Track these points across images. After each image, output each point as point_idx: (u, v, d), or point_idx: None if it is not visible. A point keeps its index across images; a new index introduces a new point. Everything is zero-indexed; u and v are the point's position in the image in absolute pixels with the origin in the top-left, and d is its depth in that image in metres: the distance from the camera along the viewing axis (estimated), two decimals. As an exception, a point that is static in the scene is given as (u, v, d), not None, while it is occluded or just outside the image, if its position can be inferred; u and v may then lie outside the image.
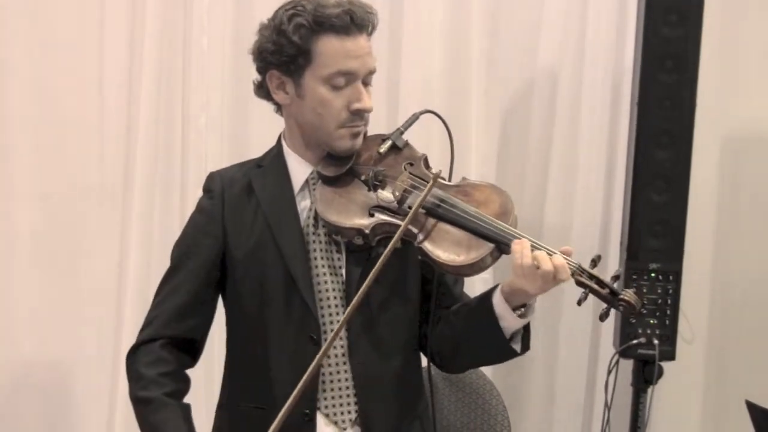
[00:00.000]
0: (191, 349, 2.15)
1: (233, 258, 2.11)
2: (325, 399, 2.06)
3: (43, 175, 3.07)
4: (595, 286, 1.96)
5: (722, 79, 3.25)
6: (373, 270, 1.88)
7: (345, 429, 2.07)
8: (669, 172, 2.91)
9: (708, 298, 3.41)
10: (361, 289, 1.87)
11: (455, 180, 2.12)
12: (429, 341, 2.18)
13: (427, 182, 2.00)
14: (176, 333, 2.11)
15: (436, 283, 2.17)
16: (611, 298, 1.97)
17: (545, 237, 3.21)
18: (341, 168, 2.09)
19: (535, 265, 1.91)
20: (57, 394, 3.17)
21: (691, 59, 2.88)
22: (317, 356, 1.85)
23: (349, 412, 2.07)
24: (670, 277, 2.92)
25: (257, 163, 2.18)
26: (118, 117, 3.09)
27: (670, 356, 2.91)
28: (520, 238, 1.95)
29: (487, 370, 2.52)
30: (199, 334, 2.16)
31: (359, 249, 2.06)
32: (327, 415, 2.06)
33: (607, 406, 2.57)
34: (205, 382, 2.90)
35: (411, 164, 2.10)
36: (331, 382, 2.06)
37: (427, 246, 1.99)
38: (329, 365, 2.06)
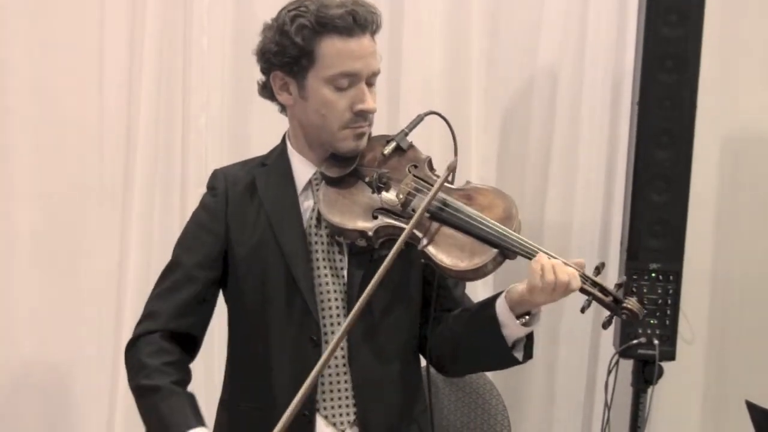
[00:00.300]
0: (190, 344, 2.14)
1: (235, 256, 2.11)
2: (324, 401, 2.06)
3: (43, 175, 3.08)
4: (599, 294, 1.97)
5: (722, 79, 3.25)
6: (377, 275, 1.87)
7: (344, 430, 2.07)
8: (669, 172, 2.91)
9: (708, 298, 3.41)
10: (364, 295, 1.86)
11: (459, 183, 2.10)
12: (429, 344, 2.18)
13: (432, 185, 2.01)
14: (176, 328, 2.10)
15: (436, 286, 2.16)
16: (614, 306, 1.98)
17: (545, 237, 3.23)
18: (345, 169, 2.08)
19: (554, 279, 1.91)
20: (57, 394, 3.17)
21: (692, 59, 2.88)
22: (320, 362, 1.84)
23: (348, 414, 2.07)
24: (671, 277, 2.92)
25: (261, 162, 2.18)
26: (118, 117, 3.09)
27: (670, 356, 2.92)
28: (528, 247, 1.95)
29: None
30: (198, 330, 2.15)
31: (362, 250, 2.05)
32: (326, 417, 2.06)
33: (607, 406, 2.57)
34: (205, 380, 2.90)
35: (415, 166, 2.09)
36: (331, 384, 2.06)
37: (431, 250, 1.98)
38: (329, 367, 2.06)
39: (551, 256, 1.96)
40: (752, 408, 2.14)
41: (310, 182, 2.12)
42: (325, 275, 2.07)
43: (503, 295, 2.03)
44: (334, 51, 2.00)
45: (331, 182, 2.08)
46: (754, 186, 3.39)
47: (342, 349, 2.06)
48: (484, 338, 2.05)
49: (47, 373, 3.15)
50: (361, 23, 2.01)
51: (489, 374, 2.57)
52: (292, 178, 2.13)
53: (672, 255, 2.93)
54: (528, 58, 3.25)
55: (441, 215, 2.01)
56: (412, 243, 1.99)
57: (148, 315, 2.12)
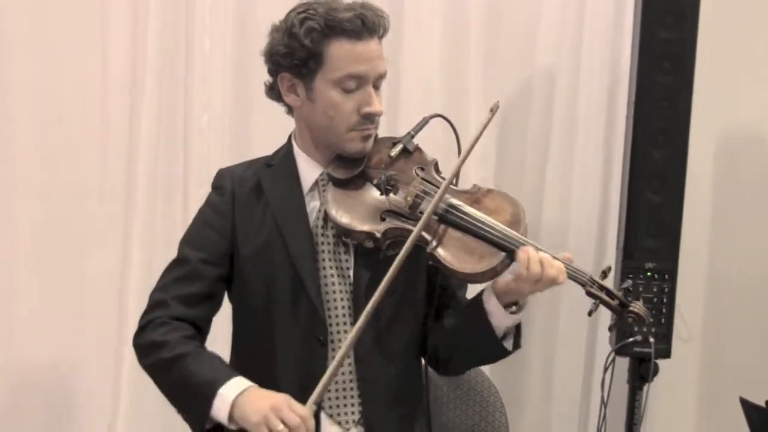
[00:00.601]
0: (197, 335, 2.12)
1: (241, 256, 2.10)
2: (329, 399, 2.06)
3: (45, 175, 3.07)
4: (606, 298, 1.99)
5: (718, 81, 3.26)
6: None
7: (348, 429, 2.08)
8: (665, 171, 2.91)
9: (703, 296, 3.42)
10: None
11: (466, 186, 2.12)
12: (426, 343, 2.19)
13: (439, 188, 2.01)
14: (183, 316, 2.08)
15: (439, 288, 2.17)
16: (620, 310, 2.00)
17: (543, 236, 3.22)
18: (352, 171, 2.09)
19: (539, 271, 1.94)
20: (59, 394, 3.16)
21: (687, 60, 2.88)
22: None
23: (353, 413, 2.08)
24: (666, 276, 2.92)
25: (267, 162, 2.18)
26: (121, 117, 3.08)
27: (666, 354, 2.92)
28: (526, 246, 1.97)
29: (485, 368, 2.54)
30: (203, 323, 2.14)
31: (368, 251, 2.06)
32: (331, 416, 2.07)
33: (604, 403, 2.57)
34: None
35: (422, 169, 2.11)
36: (336, 383, 2.06)
37: (440, 252, 2.00)
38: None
39: (552, 256, 1.97)
40: (746, 405, 2.15)
41: (316, 183, 2.13)
42: (332, 275, 2.07)
43: (490, 285, 2.05)
44: (342, 53, 2.01)
45: (339, 183, 2.08)
46: (748, 185, 3.40)
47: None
48: (474, 329, 2.07)
49: (49, 373, 3.14)
50: (370, 27, 2.02)
51: (487, 371, 2.56)
52: (299, 178, 2.13)
53: (667, 254, 2.93)
54: (526, 60, 3.26)
55: (449, 218, 2.03)
56: (420, 245, 2.00)
57: (155, 305, 2.10)
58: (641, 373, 2.86)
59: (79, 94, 3.07)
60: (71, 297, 3.12)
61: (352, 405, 2.08)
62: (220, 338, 2.23)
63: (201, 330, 2.13)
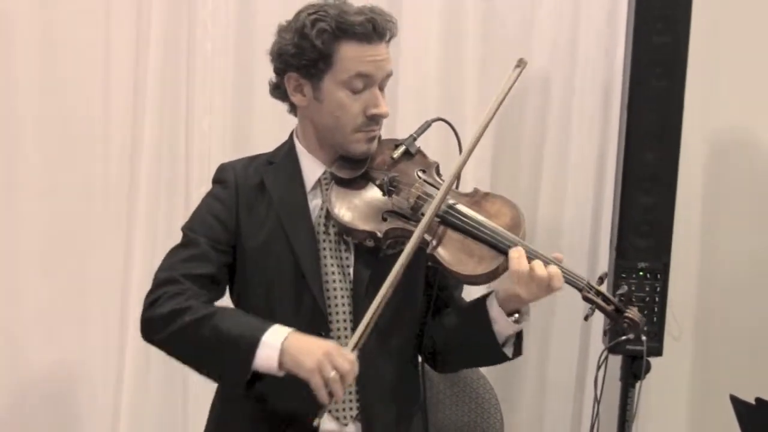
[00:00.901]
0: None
1: (244, 251, 2.11)
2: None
3: (50, 175, 3.08)
4: (602, 303, 2.02)
5: (708, 85, 3.26)
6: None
7: (346, 425, 2.11)
8: (657, 173, 2.92)
9: (694, 295, 3.43)
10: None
11: (467, 190, 2.14)
12: (423, 341, 2.22)
13: (448, 190, 2.03)
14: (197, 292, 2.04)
15: (436, 287, 2.19)
16: (616, 315, 2.04)
17: (538, 236, 3.24)
18: (356, 171, 2.11)
19: (531, 271, 1.95)
20: (62, 394, 3.17)
21: (679, 65, 2.89)
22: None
23: (351, 409, 2.10)
24: (658, 276, 2.93)
25: (268, 160, 2.19)
26: (124, 119, 3.10)
27: (658, 352, 2.93)
28: (534, 255, 1.99)
29: (481, 366, 2.54)
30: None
31: (369, 250, 2.08)
32: (330, 411, 2.07)
33: (597, 400, 2.53)
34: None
35: (424, 171, 2.13)
36: None
37: (440, 254, 2.02)
38: None
39: (548, 260, 1.99)
40: (736, 402, 2.13)
41: (319, 181, 2.14)
42: (333, 273, 2.09)
43: (493, 293, 2.08)
44: (351, 55, 2.03)
45: (342, 183, 2.11)
46: (738, 187, 3.40)
47: (347, 346, 2.05)
48: (476, 334, 2.10)
49: (52, 372, 3.15)
50: (380, 31, 2.05)
51: (483, 369, 2.58)
52: (301, 176, 2.15)
53: (659, 253, 2.93)
54: None
55: (450, 220, 2.05)
56: (421, 246, 2.02)
57: (164, 281, 2.03)
58: (634, 370, 2.85)
59: (83, 96, 3.08)
60: (74, 296, 3.13)
61: (351, 401, 2.10)
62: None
63: None
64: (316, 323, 2.08)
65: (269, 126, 2.93)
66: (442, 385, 2.58)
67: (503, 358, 2.11)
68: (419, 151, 2.16)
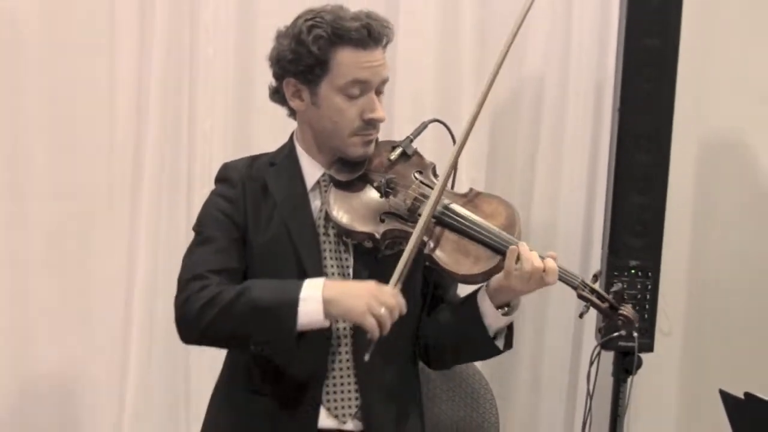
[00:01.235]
0: None
1: (250, 248, 2.11)
2: (327, 393, 2.09)
3: (56, 177, 3.08)
4: (596, 301, 2.04)
5: (699, 87, 3.28)
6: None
7: (345, 423, 2.11)
8: (648, 174, 2.94)
9: (685, 293, 3.44)
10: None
11: (463, 190, 2.15)
12: (419, 337, 2.22)
13: (442, 190, 2.03)
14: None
15: (432, 285, 2.21)
16: (610, 313, 2.05)
17: (532, 236, 3.20)
18: (354, 173, 2.12)
19: (528, 262, 1.97)
20: (66, 391, 3.17)
21: (670, 68, 2.91)
22: (410, 245, 1.92)
23: (350, 407, 2.11)
24: (649, 274, 2.95)
25: (270, 161, 2.18)
26: (128, 122, 3.10)
27: (649, 348, 2.94)
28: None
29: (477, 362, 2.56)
30: None
31: (367, 251, 2.09)
32: (328, 409, 2.09)
33: (590, 395, 2.49)
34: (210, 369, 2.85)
35: (420, 172, 2.14)
36: (334, 378, 2.09)
37: (437, 254, 2.03)
38: (333, 362, 2.09)
39: (545, 258, 2.01)
40: (725, 396, 2.08)
41: (318, 183, 2.15)
42: (333, 273, 2.10)
43: (483, 288, 2.09)
44: (348, 61, 2.03)
45: (340, 185, 2.11)
46: (728, 188, 3.42)
47: (347, 344, 2.10)
48: (467, 329, 2.11)
49: (57, 370, 3.15)
50: (376, 37, 2.05)
51: (478, 364, 2.58)
52: (302, 177, 2.15)
53: (651, 252, 2.95)
54: (515, 67, 3.27)
55: (446, 221, 2.06)
56: (419, 247, 2.02)
57: (189, 280, 2.03)
58: (625, 366, 2.87)
59: (88, 99, 3.09)
60: (79, 295, 3.13)
61: (350, 399, 2.11)
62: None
63: None
64: None
65: (269, 127, 2.93)
66: (438, 380, 2.58)
67: (495, 351, 2.12)
68: (416, 153, 2.17)
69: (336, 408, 2.10)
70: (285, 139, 2.25)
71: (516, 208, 2.11)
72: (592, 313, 2.12)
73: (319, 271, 2.09)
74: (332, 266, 2.11)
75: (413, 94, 3.19)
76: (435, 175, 2.16)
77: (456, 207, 2.08)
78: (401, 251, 2.00)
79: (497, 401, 2.59)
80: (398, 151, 2.14)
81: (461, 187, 2.22)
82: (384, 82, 2.11)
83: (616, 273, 2.95)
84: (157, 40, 3.07)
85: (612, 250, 2.98)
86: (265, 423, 2.11)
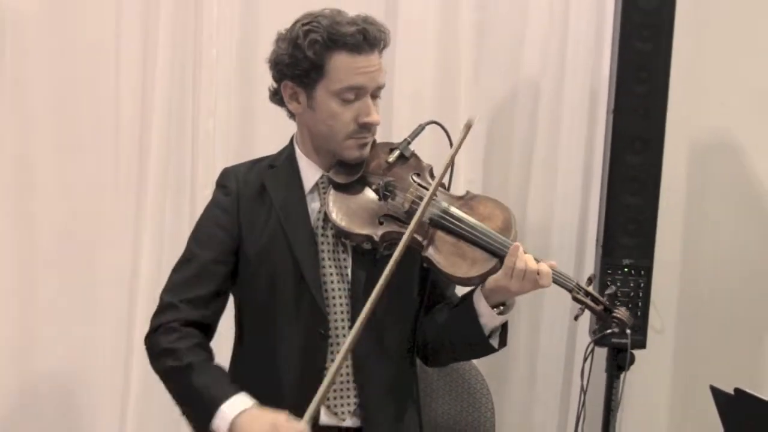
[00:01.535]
0: (205, 331, 2.14)
1: (246, 254, 2.13)
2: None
3: (61, 176, 3.08)
4: (591, 303, 2.07)
5: (691, 90, 3.29)
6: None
7: (344, 420, 2.13)
8: (641, 175, 2.96)
9: (676, 291, 3.46)
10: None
11: (460, 193, 2.17)
12: (416, 336, 2.24)
13: (434, 193, 2.04)
14: (194, 318, 2.10)
15: (429, 285, 2.21)
16: (604, 315, 2.08)
17: (528, 236, 3.25)
18: (352, 176, 2.12)
19: (523, 264, 1.99)
20: (70, 389, 3.17)
21: (663, 71, 2.93)
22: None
23: (349, 404, 2.13)
24: (642, 272, 2.97)
25: (270, 164, 2.20)
26: (133, 122, 3.11)
27: (641, 345, 2.96)
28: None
29: (473, 358, 2.57)
30: (213, 319, 2.16)
31: (365, 252, 2.10)
32: (328, 407, 2.11)
33: (583, 391, 2.44)
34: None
35: (418, 175, 2.15)
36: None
37: (434, 256, 2.05)
38: (332, 360, 2.09)
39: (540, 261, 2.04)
40: (716, 392, 2.11)
41: (316, 185, 2.16)
42: (331, 274, 2.12)
43: (479, 288, 2.10)
44: (343, 66, 2.04)
45: (339, 188, 2.12)
46: (719, 188, 3.45)
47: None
48: (463, 327, 2.13)
49: (61, 368, 3.15)
50: (371, 41, 2.05)
51: (474, 361, 2.59)
52: (300, 180, 2.16)
53: (643, 251, 2.98)
54: (512, 70, 3.30)
55: (443, 224, 2.07)
56: (415, 248, 2.05)
57: (165, 307, 2.12)
58: (618, 362, 2.85)
59: (94, 99, 3.09)
60: (84, 293, 3.13)
61: (348, 397, 2.13)
62: (223, 333, 2.26)
63: (210, 327, 2.16)
64: (315, 323, 2.11)
65: (271, 128, 2.92)
66: (436, 376, 2.60)
67: (490, 349, 2.14)
68: (414, 155, 2.18)
69: (335, 405, 2.12)
70: (287, 140, 2.27)
71: (512, 211, 2.13)
72: (587, 312, 2.15)
73: (317, 274, 2.11)
74: (330, 267, 2.13)
75: (412, 95, 3.19)
76: (432, 177, 2.17)
77: (453, 210, 2.09)
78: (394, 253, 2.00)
79: (493, 396, 2.61)
80: (396, 153, 2.15)
81: (458, 189, 2.24)
82: (379, 88, 2.11)
83: (609, 271, 2.97)
84: (162, 41, 3.07)
85: (606, 249, 3.00)
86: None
